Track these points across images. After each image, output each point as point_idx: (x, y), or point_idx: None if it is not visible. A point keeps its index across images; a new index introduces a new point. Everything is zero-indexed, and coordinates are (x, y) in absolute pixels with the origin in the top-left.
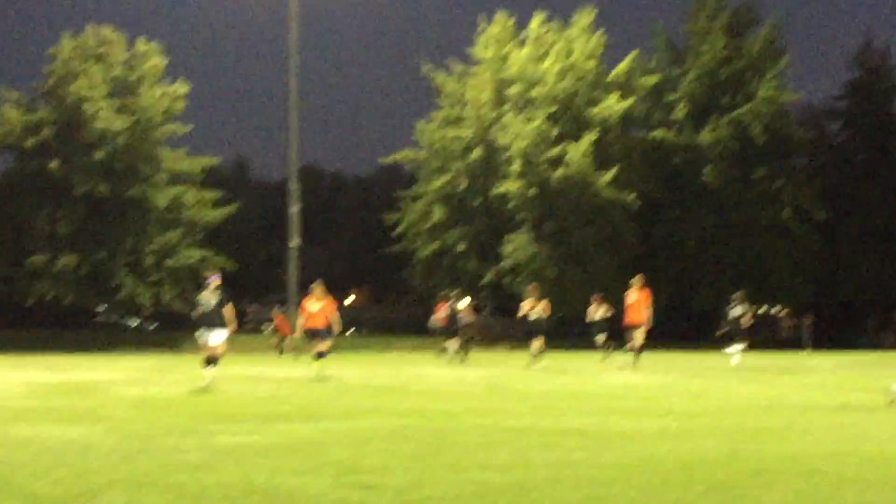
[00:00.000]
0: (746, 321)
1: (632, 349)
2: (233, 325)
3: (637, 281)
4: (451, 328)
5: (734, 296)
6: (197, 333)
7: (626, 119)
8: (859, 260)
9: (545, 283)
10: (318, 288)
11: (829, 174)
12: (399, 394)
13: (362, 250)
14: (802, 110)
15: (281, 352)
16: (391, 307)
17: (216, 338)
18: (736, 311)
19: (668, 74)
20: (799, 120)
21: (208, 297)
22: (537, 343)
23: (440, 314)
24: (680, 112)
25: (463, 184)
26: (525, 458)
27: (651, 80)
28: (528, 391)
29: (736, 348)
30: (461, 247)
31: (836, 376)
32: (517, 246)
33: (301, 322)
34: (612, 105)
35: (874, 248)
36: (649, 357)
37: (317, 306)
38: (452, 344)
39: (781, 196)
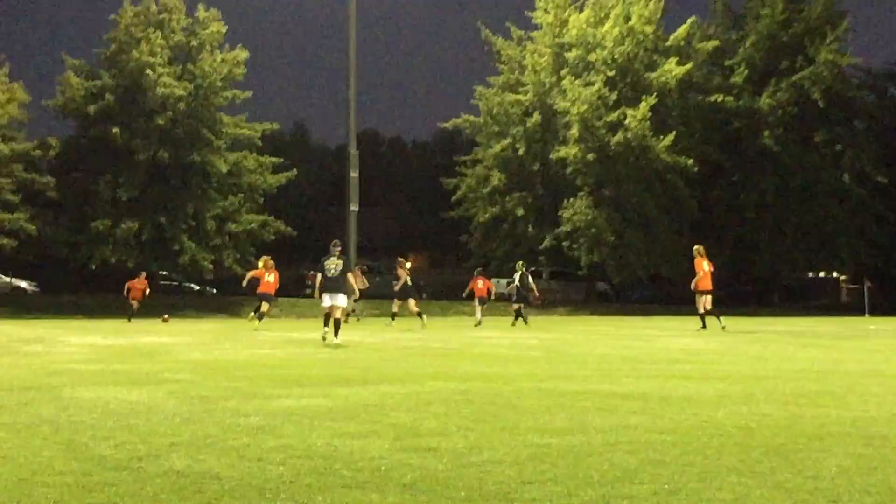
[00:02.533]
0: None
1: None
2: (355, 292)
3: (703, 249)
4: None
5: None
6: (325, 298)
7: (685, 84)
8: None
9: (604, 247)
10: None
11: (890, 138)
12: (458, 358)
13: (421, 215)
14: (863, 74)
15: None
16: (450, 272)
17: (341, 301)
18: None
19: (727, 39)
20: (859, 84)
21: (335, 264)
22: (412, 302)
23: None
24: (739, 76)
25: (521, 149)
26: (582, 422)
27: (710, 44)
28: (586, 355)
29: None
30: (520, 212)
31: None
32: (576, 211)
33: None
34: (671, 70)
35: None
36: (707, 321)
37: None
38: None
39: (842, 160)
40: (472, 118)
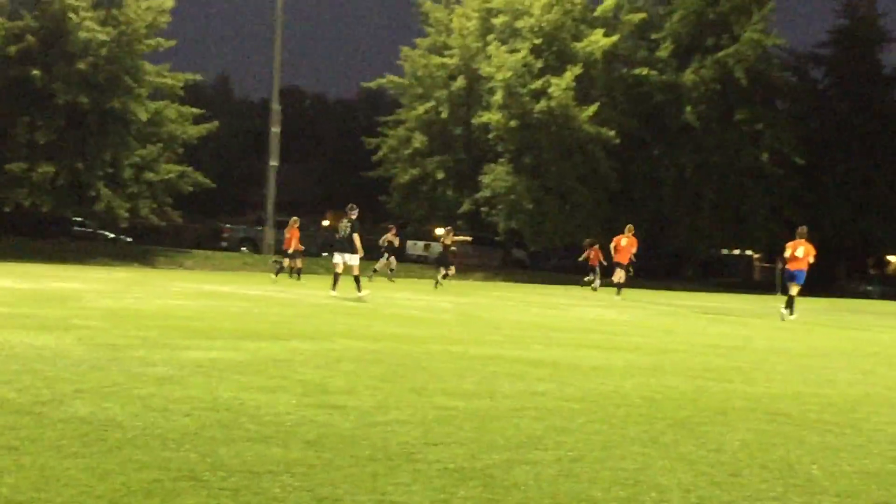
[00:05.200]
0: None
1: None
2: (361, 252)
3: (631, 229)
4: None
5: None
6: (335, 257)
7: (610, 55)
8: (837, 206)
9: (522, 214)
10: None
11: (810, 120)
12: (370, 317)
13: (342, 173)
14: (786, 55)
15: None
16: (367, 232)
17: (351, 259)
18: None
19: (654, 13)
20: (782, 65)
21: (345, 226)
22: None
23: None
24: (664, 51)
25: (444, 112)
26: (491, 387)
27: (637, 17)
28: (499, 321)
29: None
30: (440, 175)
31: (805, 321)
32: (496, 177)
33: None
34: (597, 40)
35: (852, 195)
36: (621, 293)
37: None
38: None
39: (761, 139)
40: (396, 79)
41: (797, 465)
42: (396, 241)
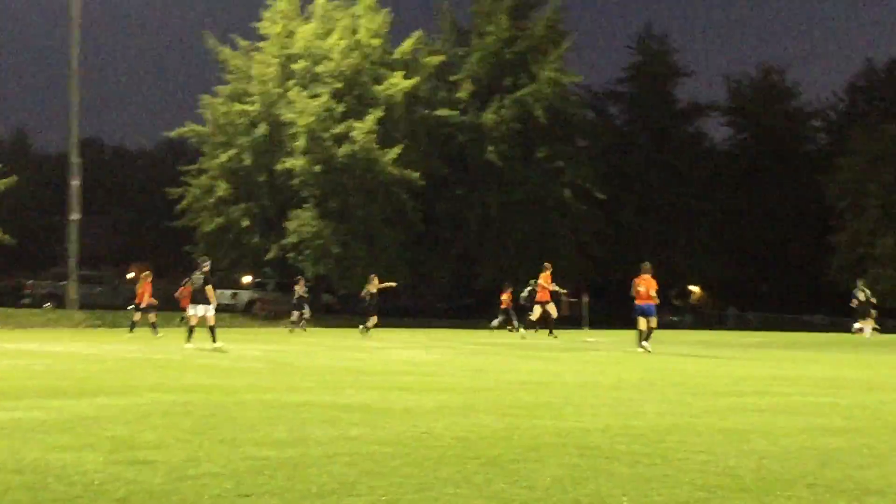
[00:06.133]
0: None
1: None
2: (215, 302)
3: (549, 267)
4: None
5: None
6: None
7: (411, 98)
8: (638, 240)
9: (330, 259)
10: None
11: (610, 155)
12: (180, 370)
13: (145, 224)
14: (584, 93)
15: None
16: (173, 283)
17: (206, 311)
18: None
19: (453, 54)
20: (581, 102)
21: (198, 278)
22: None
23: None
24: (464, 92)
25: (247, 159)
26: (303, 434)
27: (435, 59)
28: (310, 367)
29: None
30: (245, 222)
31: (612, 354)
32: (301, 222)
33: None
34: (397, 83)
35: (653, 227)
36: (431, 334)
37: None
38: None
39: (563, 176)
40: (197, 127)
41: (609, 498)
42: (306, 293)
